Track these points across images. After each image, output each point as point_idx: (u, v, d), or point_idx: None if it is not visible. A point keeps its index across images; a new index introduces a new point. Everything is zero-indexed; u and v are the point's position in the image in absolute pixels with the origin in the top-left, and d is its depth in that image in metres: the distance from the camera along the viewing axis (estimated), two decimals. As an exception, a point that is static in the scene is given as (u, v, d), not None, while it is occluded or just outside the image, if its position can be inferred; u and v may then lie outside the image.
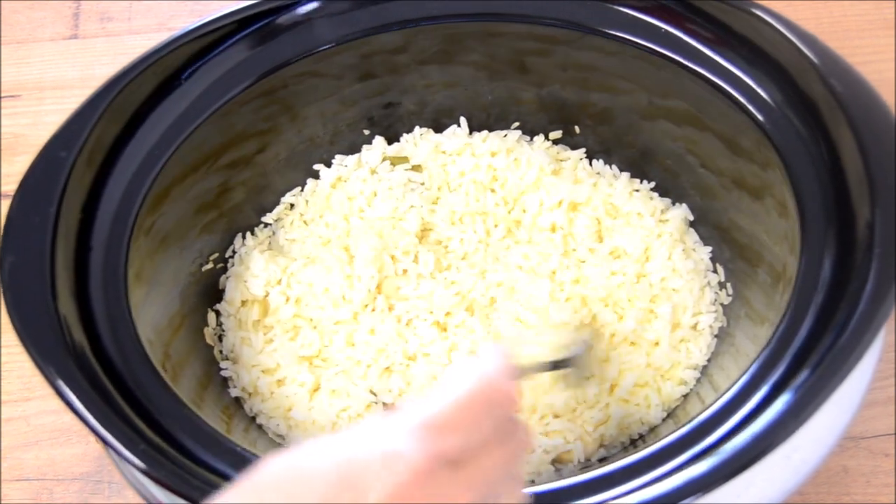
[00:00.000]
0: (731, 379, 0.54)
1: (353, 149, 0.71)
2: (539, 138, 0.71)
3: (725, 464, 0.47)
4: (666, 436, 0.48)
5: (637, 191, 0.69)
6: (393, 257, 0.65)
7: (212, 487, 0.47)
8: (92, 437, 0.58)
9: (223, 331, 0.65)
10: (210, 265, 0.66)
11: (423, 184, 0.69)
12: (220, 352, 0.65)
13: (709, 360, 0.62)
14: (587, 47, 0.63)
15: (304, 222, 0.69)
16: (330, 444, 0.35)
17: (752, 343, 0.59)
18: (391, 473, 0.33)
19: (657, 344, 0.62)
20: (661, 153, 0.67)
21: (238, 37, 0.62)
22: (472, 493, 0.36)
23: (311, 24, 0.63)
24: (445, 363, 0.61)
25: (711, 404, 0.50)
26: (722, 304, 0.64)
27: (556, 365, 0.56)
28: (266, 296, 0.66)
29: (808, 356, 0.52)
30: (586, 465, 0.59)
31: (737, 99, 0.58)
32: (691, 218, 0.68)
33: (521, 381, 0.43)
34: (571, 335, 0.61)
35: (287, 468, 0.34)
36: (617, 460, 0.48)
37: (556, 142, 0.71)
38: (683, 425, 0.49)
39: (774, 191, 0.58)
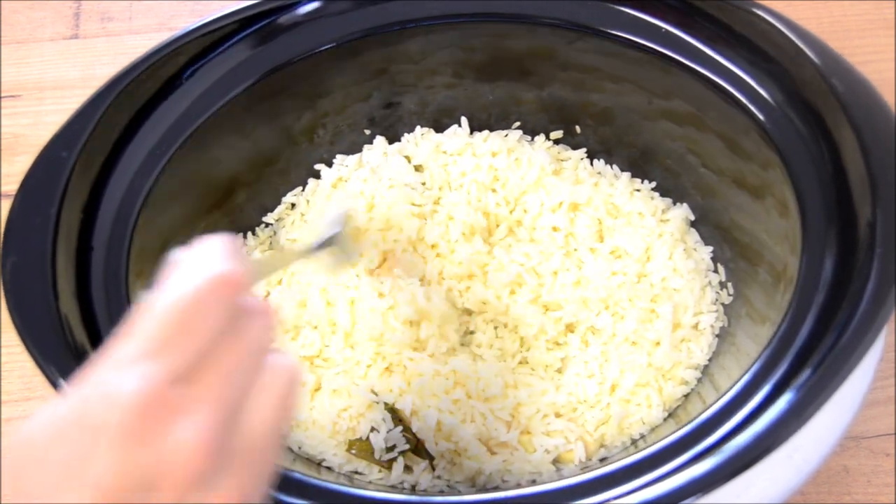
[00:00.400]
0: (732, 378, 0.54)
1: (354, 148, 0.71)
2: (540, 138, 0.71)
3: (726, 463, 0.47)
4: (667, 436, 0.48)
5: (638, 190, 0.69)
6: (393, 256, 0.65)
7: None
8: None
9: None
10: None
11: (424, 183, 0.69)
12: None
13: (710, 360, 0.62)
14: (588, 47, 0.63)
15: (306, 222, 0.69)
16: (54, 405, 0.32)
17: (753, 343, 0.59)
18: (110, 417, 0.31)
19: (658, 344, 0.62)
20: (662, 153, 0.67)
21: (239, 37, 0.62)
22: (214, 396, 0.33)
23: (312, 24, 0.63)
24: (445, 363, 0.61)
25: (712, 404, 0.50)
26: (723, 304, 0.64)
27: (315, 249, 0.56)
28: (267, 295, 0.66)
29: (809, 356, 0.52)
30: (587, 465, 0.59)
31: (738, 99, 0.58)
32: (692, 218, 0.68)
33: (256, 268, 0.41)
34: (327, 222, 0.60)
35: (18, 448, 0.32)
36: (618, 460, 0.48)
37: (556, 142, 0.71)
38: (684, 425, 0.49)
39: (775, 190, 0.58)
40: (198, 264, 0.35)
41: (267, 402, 0.35)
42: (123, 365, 0.32)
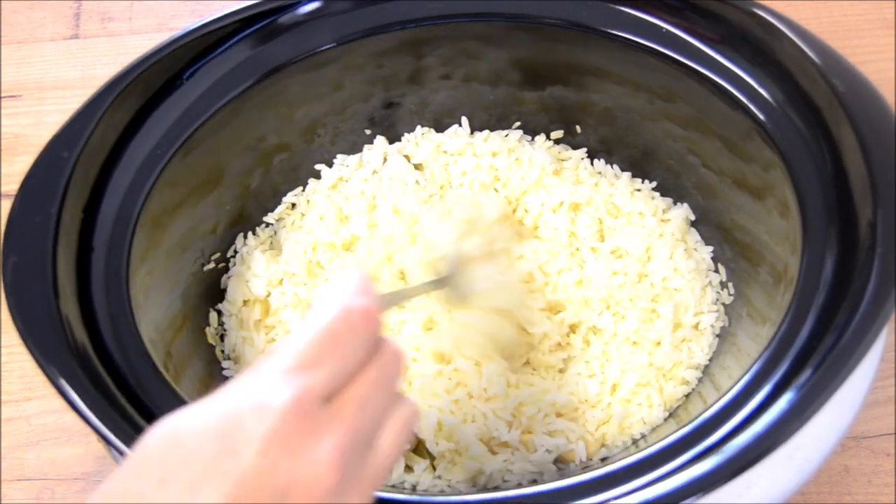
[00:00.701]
0: (732, 378, 0.54)
1: (355, 148, 0.71)
2: (540, 138, 0.71)
3: (727, 463, 0.47)
4: (668, 435, 0.48)
5: (638, 190, 0.69)
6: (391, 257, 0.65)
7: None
8: (93, 437, 0.58)
9: (225, 330, 0.65)
10: (212, 265, 0.66)
11: (417, 182, 0.69)
12: (222, 351, 0.65)
13: (710, 360, 0.62)
14: (588, 47, 0.63)
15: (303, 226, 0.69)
16: (205, 405, 0.35)
17: (753, 342, 0.59)
18: (262, 423, 0.34)
19: (659, 344, 0.62)
20: (663, 153, 0.67)
21: (239, 37, 0.62)
22: (350, 419, 0.37)
23: (312, 24, 0.63)
24: (445, 363, 0.61)
25: (713, 404, 0.50)
26: (723, 304, 0.64)
27: (430, 286, 0.57)
28: (268, 295, 0.66)
29: (809, 356, 0.52)
30: (588, 465, 0.59)
31: (738, 99, 0.58)
32: (693, 217, 0.68)
33: (383, 302, 0.44)
34: (444, 256, 0.61)
35: (165, 437, 0.35)
36: (619, 460, 0.48)
37: (557, 141, 0.71)
38: (685, 425, 0.49)
39: (776, 190, 0.58)
40: (341, 297, 0.39)
41: (392, 433, 0.39)
42: (276, 377, 0.36)
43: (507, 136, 0.71)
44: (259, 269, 0.66)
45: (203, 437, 0.34)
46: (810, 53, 0.55)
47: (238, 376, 0.37)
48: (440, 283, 0.59)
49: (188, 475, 0.33)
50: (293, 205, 0.70)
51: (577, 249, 0.66)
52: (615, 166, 0.70)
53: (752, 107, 0.58)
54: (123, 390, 0.52)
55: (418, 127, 0.71)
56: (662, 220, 0.67)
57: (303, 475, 0.35)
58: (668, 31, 0.60)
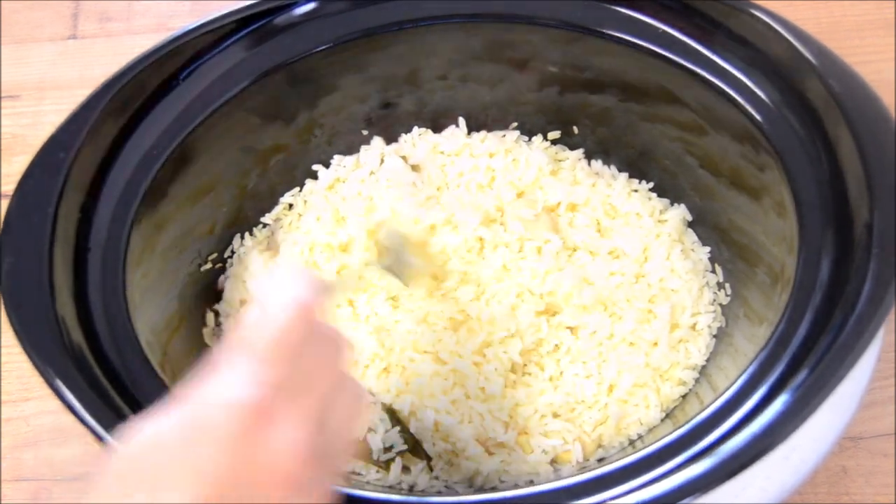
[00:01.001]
0: (729, 379, 0.54)
1: (352, 149, 0.71)
2: (537, 138, 0.71)
3: (724, 464, 0.47)
4: (664, 436, 0.49)
5: (636, 191, 0.69)
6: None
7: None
8: (91, 438, 0.58)
9: (222, 331, 0.65)
10: (209, 265, 0.66)
11: (414, 184, 0.69)
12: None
13: (707, 361, 0.62)
14: (586, 47, 0.63)
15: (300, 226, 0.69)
16: (177, 408, 0.37)
17: (750, 343, 0.59)
18: (230, 421, 0.36)
19: (656, 344, 0.62)
20: (660, 153, 0.67)
21: (237, 37, 0.62)
22: (308, 409, 0.38)
23: (309, 25, 0.63)
24: (445, 362, 0.61)
25: (710, 404, 0.50)
26: (720, 305, 0.64)
27: (378, 266, 0.60)
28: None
29: (806, 356, 0.52)
30: (585, 466, 0.59)
31: (735, 99, 0.58)
32: (690, 218, 0.68)
33: (329, 292, 0.45)
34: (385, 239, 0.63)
35: (143, 448, 0.36)
36: (615, 461, 0.48)
37: (554, 142, 0.71)
38: (682, 426, 0.49)
39: (773, 191, 0.58)
40: (283, 292, 0.41)
41: (343, 415, 0.41)
42: (237, 377, 0.38)
43: (504, 136, 0.71)
44: (256, 270, 0.66)
45: (179, 444, 0.36)
46: (807, 54, 0.55)
47: (202, 371, 0.39)
48: (385, 262, 0.60)
49: (165, 481, 0.35)
50: (290, 205, 0.70)
51: (574, 250, 0.66)
52: (612, 167, 0.70)
53: (748, 107, 0.58)
54: (120, 391, 0.52)
55: (415, 128, 0.71)
56: (659, 221, 0.67)
57: (270, 464, 0.36)
58: (664, 31, 0.60)
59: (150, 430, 0.37)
